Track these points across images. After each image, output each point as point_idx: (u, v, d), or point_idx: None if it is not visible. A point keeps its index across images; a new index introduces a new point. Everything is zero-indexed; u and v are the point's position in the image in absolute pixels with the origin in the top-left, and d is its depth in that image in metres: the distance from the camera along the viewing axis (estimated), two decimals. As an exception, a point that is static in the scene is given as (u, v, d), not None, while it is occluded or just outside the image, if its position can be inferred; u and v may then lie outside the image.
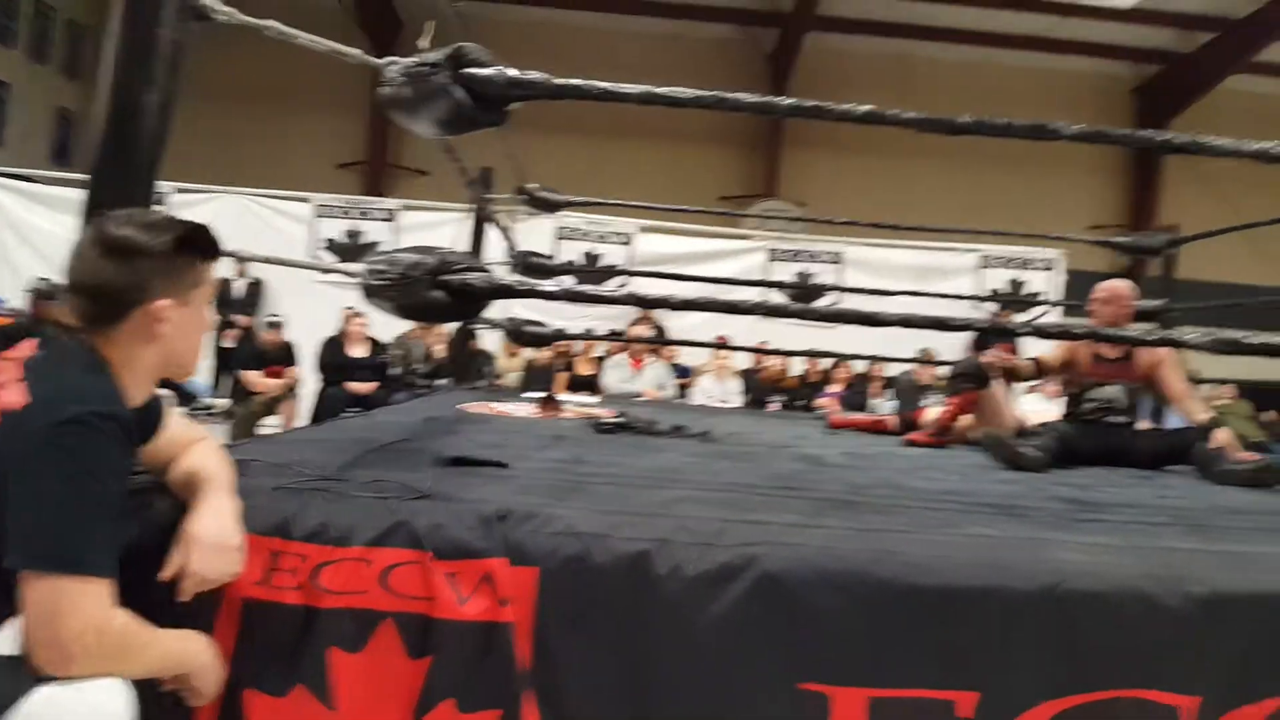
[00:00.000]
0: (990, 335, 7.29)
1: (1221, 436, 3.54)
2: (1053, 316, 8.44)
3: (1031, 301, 9.04)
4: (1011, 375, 4.01)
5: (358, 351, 7.46)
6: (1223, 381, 8.32)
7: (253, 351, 7.53)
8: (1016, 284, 9.33)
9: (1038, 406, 6.45)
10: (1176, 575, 1.49)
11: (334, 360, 7.37)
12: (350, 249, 8.92)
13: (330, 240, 9.09)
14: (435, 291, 1.70)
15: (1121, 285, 4.06)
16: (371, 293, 1.86)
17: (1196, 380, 7.69)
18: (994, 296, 9.10)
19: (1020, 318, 8.67)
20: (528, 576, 1.42)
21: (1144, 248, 5.78)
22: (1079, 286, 9.82)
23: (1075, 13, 11.66)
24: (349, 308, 7.40)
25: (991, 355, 4.12)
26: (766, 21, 12.46)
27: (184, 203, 8.52)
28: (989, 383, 4.12)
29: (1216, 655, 1.46)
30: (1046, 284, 9.31)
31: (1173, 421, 4.59)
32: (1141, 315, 5.50)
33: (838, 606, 1.42)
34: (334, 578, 1.39)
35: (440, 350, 7.61)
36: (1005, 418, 4.11)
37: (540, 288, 1.78)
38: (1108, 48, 12.85)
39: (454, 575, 1.40)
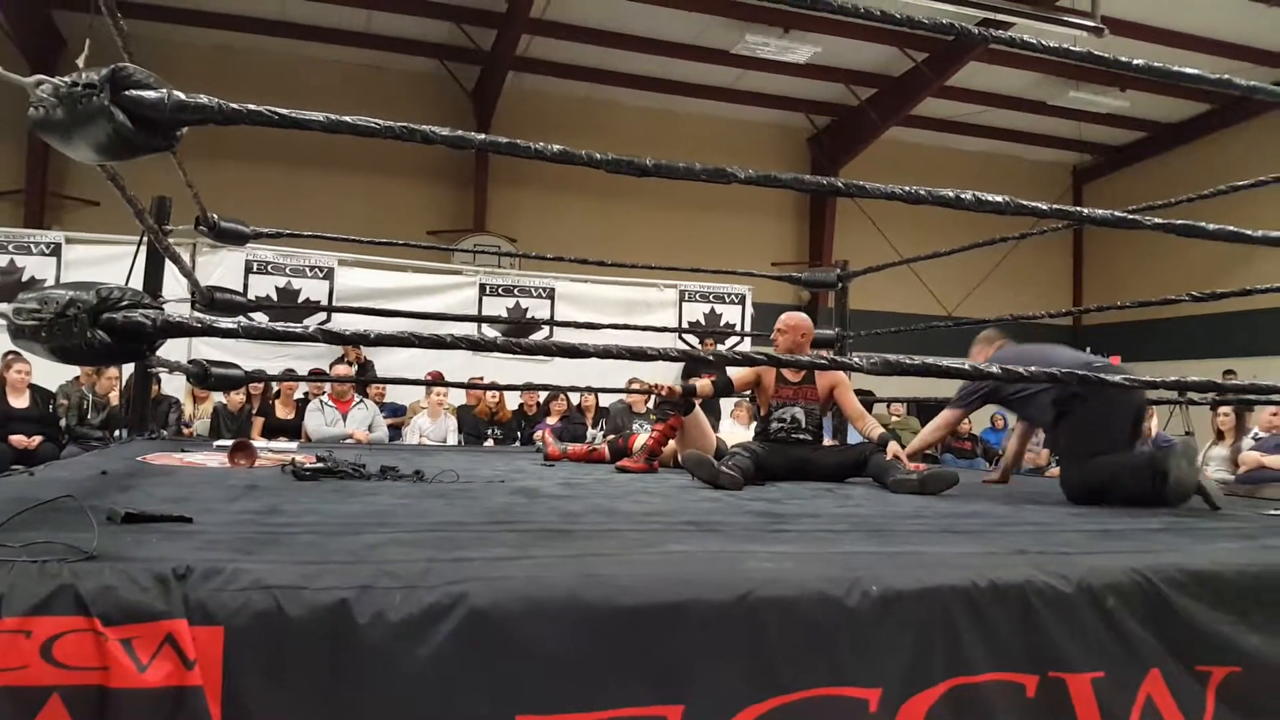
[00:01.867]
0: (693, 364, 7.76)
1: (894, 449, 3.99)
2: (746, 345, 9.11)
3: (726, 332, 9.71)
4: (690, 394, 4.29)
5: (19, 402, 6.68)
6: (895, 400, 9.33)
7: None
8: (713, 316, 10.00)
9: (734, 430, 6.91)
10: (855, 577, 1.62)
11: (-11, 412, 6.52)
12: (6, 287, 7.82)
13: (-19, 278, 7.94)
14: (96, 332, 1.52)
15: (798, 316, 4.49)
16: (20, 334, 1.63)
17: (871, 399, 8.59)
18: (694, 328, 9.70)
19: (720, 347, 9.28)
20: (213, 637, 1.32)
21: (820, 282, 6.41)
22: (765, 317, 10.70)
23: (757, 66, 12.72)
24: (8, 353, 6.54)
25: (663, 386, 4.39)
26: (467, 58, 12.50)
27: None
28: (693, 409, 4.36)
29: (893, 648, 1.59)
30: (738, 316, 10.06)
31: (854, 437, 5.09)
32: (821, 342, 6.09)
33: (547, 635, 1.43)
34: (-14, 655, 1.23)
35: (115, 397, 6.88)
36: (708, 440, 4.37)
37: (217, 324, 1.64)
38: (786, 99, 14.13)
39: (130, 640, 1.28)
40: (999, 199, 2.17)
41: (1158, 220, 2.47)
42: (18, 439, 6.48)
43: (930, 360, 2.16)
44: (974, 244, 5.03)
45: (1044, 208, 2.32)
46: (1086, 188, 16.70)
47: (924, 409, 10.96)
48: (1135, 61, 2.60)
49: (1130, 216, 2.51)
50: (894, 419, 9.78)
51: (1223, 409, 6.75)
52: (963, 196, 2.13)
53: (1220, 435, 7.02)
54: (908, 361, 2.13)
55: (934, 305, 14.91)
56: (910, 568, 1.71)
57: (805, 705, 1.52)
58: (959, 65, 12.25)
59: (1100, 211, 2.57)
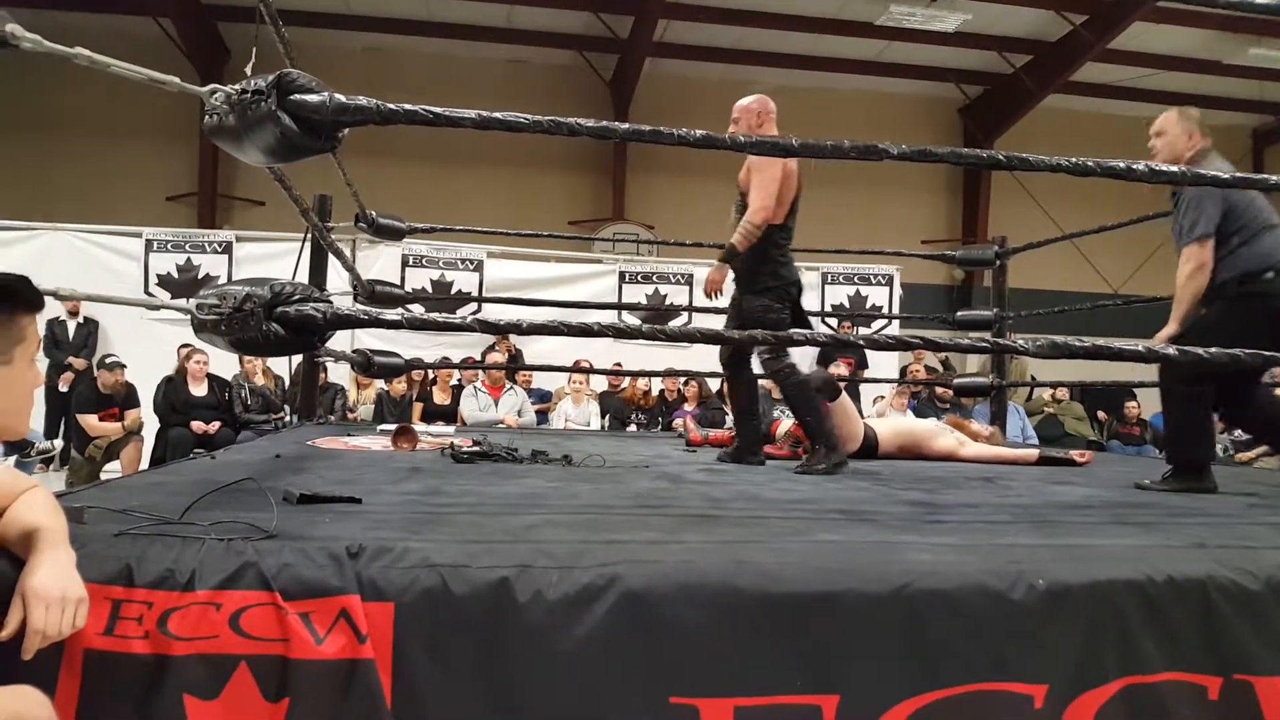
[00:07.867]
0: (833, 348, 7.61)
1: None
2: (893, 328, 8.85)
3: (871, 314, 9.46)
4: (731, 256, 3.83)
5: (198, 390, 7.19)
6: (1059, 385, 8.75)
7: (90, 394, 7.06)
8: (858, 299, 9.75)
9: (890, 415, 6.74)
10: (1019, 570, 1.56)
11: (173, 400, 7.11)
12: (185, 283, 8.49)
13: (163, 275, 8.62)
14: (271, 324, 1.63)
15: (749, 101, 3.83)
16: (202, 328, 1.77)
17: (1033, 383, 8.11)
18: (837, 311, 9.49)
19: (864, 331, 9.06)
20: (384, 612, 1.39)
21: (976, 260, 6.10)
22: (915, 299, 10.34)
23: (903, 37, 12.30)
24: (187, 345, 7.07)
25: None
26: (605, 47, 12.62)
27: (2, 241, 7.95)
28: (840, 394, 4.27)
29: (1061, 644, 1.52)
30: (885, 298, 9.77)
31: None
32: (978, 323, 5.81)
33: (700, 619, 1.44)
34: (182, 623, 1.34)
35: (286, 385, 7.34)
36: (854, 426, 4.28)
37: (382, 316, 1.73)
38: (935, 70, 13.59)
39: (308, 614, 1.37)
40: (1175, 169, 2.03)
41: (1357, 184, 2.25)
42: (198, 425, 7.00)
43: (1100, 342, 2.04)
44: (1143, 216, 4.69)
45: (1225, 176, 2.15)
46: (1268, 150, 15.38)
47: (1088, 394, 10.35)
48: (1330, 11, 2.37)
49: (1325, 182, 2.30)
50: (1058, 403, 9.23)
51: None
52: (1135, 167, 2.00)
53: None
54: (1076, 343, 2.01)
55: (1099, 282, 14.04)
56: (1079, 560, 1.63)
57: (966, 700, 1.48)
58: (1122, 26, 11.46)
59: (1289, 178, 2.36)
